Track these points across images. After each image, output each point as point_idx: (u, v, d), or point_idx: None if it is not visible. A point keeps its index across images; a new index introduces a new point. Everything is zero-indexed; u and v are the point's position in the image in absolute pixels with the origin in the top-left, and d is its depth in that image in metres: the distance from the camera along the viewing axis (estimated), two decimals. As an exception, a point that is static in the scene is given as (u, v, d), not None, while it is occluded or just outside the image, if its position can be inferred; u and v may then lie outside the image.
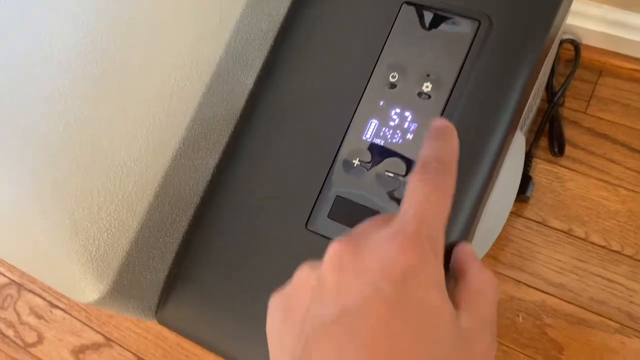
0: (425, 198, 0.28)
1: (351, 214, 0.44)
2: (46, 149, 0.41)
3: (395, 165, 0.44)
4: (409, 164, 0.43)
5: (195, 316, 0.47)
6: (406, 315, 0.24)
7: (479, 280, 0.29)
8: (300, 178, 0.46)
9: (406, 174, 0.43)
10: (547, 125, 0.75)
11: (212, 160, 0.47)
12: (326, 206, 0.44)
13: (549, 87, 0.75)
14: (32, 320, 0.93)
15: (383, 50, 0.46)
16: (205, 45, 0.44)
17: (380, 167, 0.44)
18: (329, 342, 0.25)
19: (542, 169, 0.75)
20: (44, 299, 0.94)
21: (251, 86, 0.49)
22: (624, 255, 0.71)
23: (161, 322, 0.48)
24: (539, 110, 0.76)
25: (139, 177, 0.42)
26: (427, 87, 0.44)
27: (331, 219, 0.44)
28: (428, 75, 0.44)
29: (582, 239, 0.72)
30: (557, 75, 0.76)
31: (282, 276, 0.44)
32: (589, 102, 0.76)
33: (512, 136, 0.47)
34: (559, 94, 0.74)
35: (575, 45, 0.76)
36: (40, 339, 0.92)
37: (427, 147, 0.31)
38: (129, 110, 0.42)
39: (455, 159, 0.31)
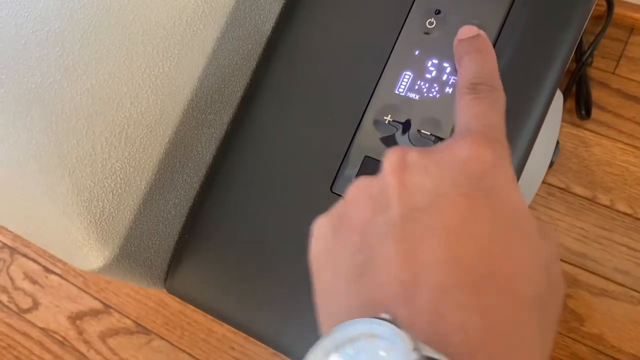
0: (483, 113, 0.26)
1: (382, 175, 0.40)
2: (42, 100, 0.36)
3: (432, 123, 0.39)
4: (448, 121, 0.39)
5: (208, 285, 0.44)
6: (490, 211, 0.21)
7: None
8: (324, 136, 0.41)
9: (444, 134, 0.39)
10: (574, 86, 0.71)
11: (226, 115, 0.43)
12: (353, 168, 0.40)
13: (577, 45, 0.71)
14: (26, 285, 0.89)
15: (418, -5, 0.41)
16: (220, -17, 0.39)
17: (414, 125, 0.39)
18: (399, 244, 0.21)
19: (566, 132, 0.71)
20: (39, 263, 0.90)
21: (269, 33, 0.44)
22: (651, 223, 0.67)
23: (171, 290, 0.44)
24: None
25: (148, 131, 0.38)
26: (468, 35, 0.40)
27: (359, 181, 0.40)
28: (470, 23, 0.40)
29: (606, 207, 0.68)
30: (586, 33, 0.72)
31: (304, 241, 0.40)
32: (618, 61, 0.72)
33: (556, 92, 0.43)
34: (588, 53, 0.69)
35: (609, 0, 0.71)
36: (35, 305, 0.89)
37: (467, 62, 0.30)
38: (134, 56, 0.37)
39: (497, 72, 0.29)
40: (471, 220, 0.21)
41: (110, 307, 0.85)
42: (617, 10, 0.71)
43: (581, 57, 0.70)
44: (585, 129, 0.71)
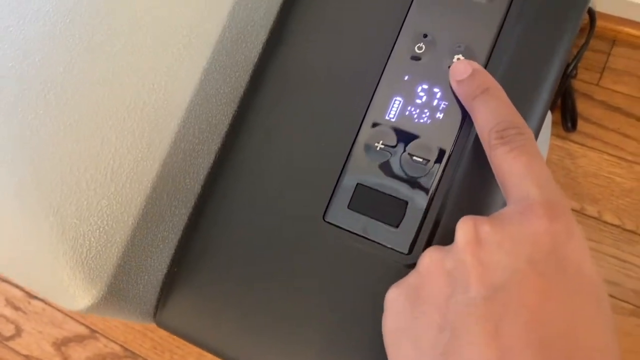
0: (527, 165, 0.26)
1: (375, 203, 0.39)
2: (23, 137, 0.35)
3: (424, 148, 0.39)
4: (440, 147, 0.38)
5: (199, 318, 0.42)
6: (567, 287, 0.22)
7: None
8: (315, 164, 0.41)
9: (437, 159, 0.38)
10: (560, 98, 0.71)
11: (214, 144, 0.42)
12: (346, 196, 0.40)
13: (560, 58, 0.71)
14: (8, 312, 0.87)
15: (407, 17, 0.41)
16: (205, 11, 0.38)
17: (406, 151, 0.39)
18: (482, 324, 0.22)
19: (552, 144, 0.72)
20: (21, 289, 0.88)
21: (256, 60, 0.43)
22: (639, 234, 0.68)
23: (160, 325, 0.43)
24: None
25: (134, 166, 0.37)
26: (458, 59, 0.39)
27: (352, 209, 0.39)
28: (459, 46, 0.39)
29: (594, 218, 0.69)
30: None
31: (297, 273, 0.40)
32: (601, 73, 0.72)
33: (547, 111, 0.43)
34: (572, 65, 0.70)
35: (591, 12, 0.71)
36: (18, 332, 0.86)
37: (481, 108, 0.30)
38: (119, 88, 0.36)
39: (512, 106, 0.31)
40: (551, 298, 0.22)
41: (97, 332, 0.83)
42: (600, 22, 0.72)
43: (566, 69, 0.70)
44: (571, 141, 0.71)
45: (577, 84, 0.73)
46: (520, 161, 0.27)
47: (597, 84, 0.72)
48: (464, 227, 0.26)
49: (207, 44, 0.38)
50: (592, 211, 0.70)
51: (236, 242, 0.41)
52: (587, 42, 0.71)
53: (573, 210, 0.70)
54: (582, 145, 0.71)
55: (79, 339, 0.83)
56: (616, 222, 0.69)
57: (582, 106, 0.72)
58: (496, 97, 0.30)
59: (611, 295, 0.68)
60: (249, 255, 0.41)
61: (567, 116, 0.70)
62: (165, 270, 0.42)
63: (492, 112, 0.29)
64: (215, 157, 0.42)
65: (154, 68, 0.37)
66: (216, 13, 0.38)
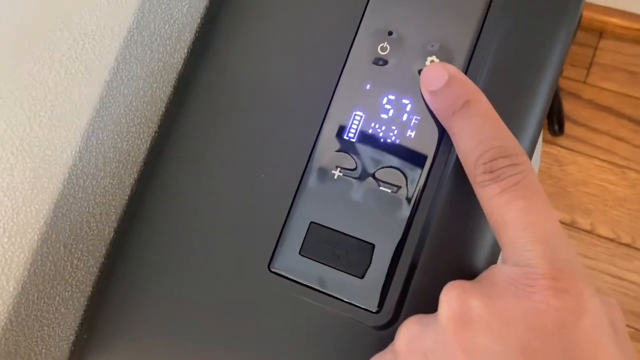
0: (524, 214, 0.21)
1: (333, 248, 0.31)
2: None
3: (393, 174, 0.31)
4: (413, 173, 0.30)
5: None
6: None
7: (609, 312, 0.22)
8: (257, 199, 0.32)
9: (409, 188, 0.30)
10: (544, 99, 0.64)
11: (128, 176, 0.33)
12: (296, 238, 0.31)
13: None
14: None
15: (366, 10, 0.32)
16: (104, 7, 0.29)
17: (371, 178, 0.31)
18: None
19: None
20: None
21: (180, 67, 0.34)
22: (636, 248, 0.61)
23: (70, 405, 0.34)
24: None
25: (13, 214, 0.28)
26: (431, 62, 0.31)
27: (304, 255, 0.31)
28: (432, 45, 0.31)
29: (587, 232, 0.62)
30: (552, 39, 0.65)
31: (238, 340, 0.31)
32: (589, 69, 0.65)
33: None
34: (557, 61, 0.63)
35: (576, 2, 0.64)
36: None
37: (461, 132, 0.25)
38: (-13, 113, 0.27)
39: (503, 126, 0.25)
40: None
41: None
42: (585, 13, 0.64)
43: (549, 66, 0.63)
44: (559, 146, 0.64)
45: (562, 82, 0.65)
46: (516, 208, 0.22)
47: (584, 82, 0.65)
48: (449, 299, 0.22)
49: (108, 50, 0.30)
50: (585, 224, 0.62)
51: (161, 302, 0.32)
52: (573, 35, 0.64)
53: (563, 223, 0.63)
54: (571, 150, 0.64)
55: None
56: (611, 235, 0.62)
57: (569, 107, 0.64)
58: (480, 113, 0.24)
59: (609, 318, 0.61)
60: (177, 317, 0.32)
61: (554, 119, 0.63)
62: (72, 338, 0.33)
63: (475, 134, 0.23)
64: (131, 192, 0.34)
65: (34, 86, 0.28)
66: (118, 8, 0.30)
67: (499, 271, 0.22)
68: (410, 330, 0.23)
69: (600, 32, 0.66)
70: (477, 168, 0.23)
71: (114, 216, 0.33)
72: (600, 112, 0.65)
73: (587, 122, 0.65)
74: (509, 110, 0.30)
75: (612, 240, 0.62)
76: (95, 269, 0.33)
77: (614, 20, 0.65)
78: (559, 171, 0.64)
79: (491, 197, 0.22)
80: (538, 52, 0.31)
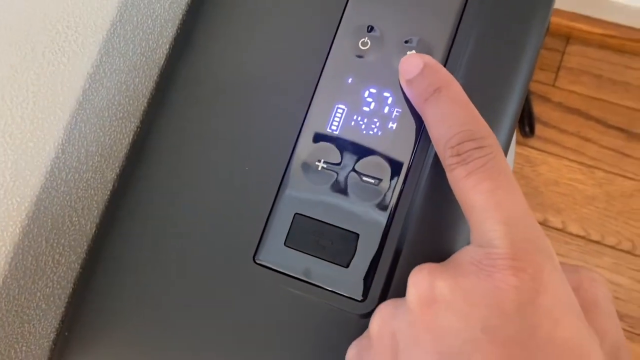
0: (490, 196, 0.21)
1: (318, 238, 0.31)
2: None
3: (376, 166, 0.31)
4: (395, 164, 0.31)
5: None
6: (531, 357, 0.18)
7: (590, 288, 0.23)
8: (241, 191, 0.32)
9: (391, 179, 0.31)
10: (515, 101, 0.65)
11: (110, 171, 0.33)
12: (281, 230, 0.31)
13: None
14: None
15: (347, 6, 0.33)
16: (87, 0, 0.29)
17: (354, 170, 0.31)
18: None
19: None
20: None
21: (162, 62, 0.34)
22: (605, 245, 0.63)
23: (50, 405, 0.34)
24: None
25: (-7, 206, 0.27)
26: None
27: (290, 246, 0.31)
28: (411, 40, 0.32)
29: (559, 230, 0.63)
30: (522, 44, 0.67)
31: (225, 333, 0.31)
32: (557, 73, 0.67)
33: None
34: (527, 65, 0.64)
35: (544, 7, 0.66)
36: None
37: (432, 116, 0.26)
38: (-32, 104, 0.27)
39: (474, 109, 0.26)
40: None
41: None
42: (553, 18, 0.67)
43: (520, 70, 0.65)
44: (530, 147, 0.65)
45: (533, 86, 0.67)
46: (481, 190, 0.22)
47: (553, 85, 0.67)
48: (416, 281, 0.22)
49: (91, 43, 0.29)
50: (556, 222, 0.64)
51: (144, 298, 0.32)
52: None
53: (536, 222, 0.65)
54: (542, 151, 0.65)
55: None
56: (581, 233, 0.64)
57: (539, 109, 0.66)
58: (450, 98, 0.25)
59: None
60: (162, 311, 0.32)
61: (525, 120, 0.65)
62: (52, 336, 0.33)
63: (445, 119, 0.24)
64: (113, 187, 0.33)
65: (15, 77, 0.28)
66: (101, 1, 0.30)
67: (465, 252, 0.23)
68: (381, 313, 0.24)
69: (568, 37, 0.68)
70: (446, 152, 0.24)
71: (96, 211, 0.33)
72: (569, 114, 0.67)
73: (557, 124, 0.67)
74: (488, 100, 0.31)
75: (582, 237, 0.64)
76: (76, 264, 0.33)
77: (580, 25, 0.67)
78: (531, 171, 0.66)
79: (459, 180, 0.23)
80: (516, 38, 0.32)
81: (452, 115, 0.25)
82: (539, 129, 0.66)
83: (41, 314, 0.31)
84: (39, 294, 0.30)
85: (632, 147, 0.64)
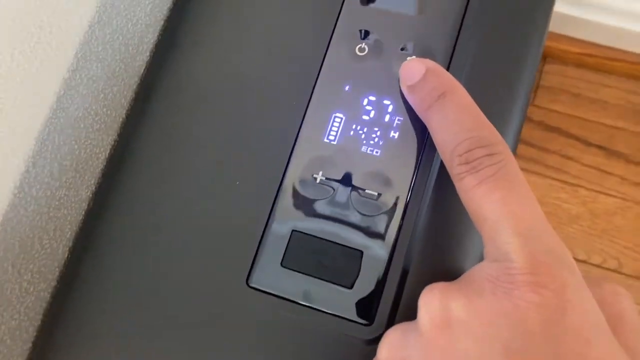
0: (503, 205, 0.20)
1: (318, 256, 0.28)
2: None
3: (379, 178, 0.29)
4: (398, 176, 0.29)
5: None
6: None
7: (615, 302, 0.21)
8: (232, 208, 0.30)
9: (395, 192, 0.29)
10: (497, 120, 0.65)
11: (85, 188, 0.30)
12: (277, 248, 0.29)
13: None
14: None
15: (342, 9, 0.31)
16: (62, 1, 0.27)
17: (355, 184, 0.29)
18: None
19: (493, 171, 0.65)
20: None
21: (143, 70, 0.32)
22: (591, 264, 0.62)
23: None
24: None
25: (-48, 227, 0.24)
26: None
27: (287, 267, 0.28)
28: (410, 44, 0.30)
29: (545, 250, 0.62)
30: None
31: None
32: (535, 92, 0.67)
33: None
34: (507, 83, 0.64)
35: (522, 26, 0.66)
36: None
37: (438, 124, 0.24)
38: None
39: (481, 115, 0.24)
40: None
41: None
42: (531, 37, 0.67)
43: (500, 88, 0.65)
44: (513, 166, 0.65)
45: (513, 104, 0.67)
46: (494, 199, 0.21)
47: (532, 104, 0.67)
48: (427, 302, 0.21)
49: (67, 47, 0.27)
50: (542, 242, 0.63)
51: (125, 333, 0.29)
52: (521, 58, 0.66)
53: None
54: (525, 170, 0.65)
55: None
56: (568, 252, 0.63)
57: (520, 128, 0.66)
58: (456, 103, 0.23)
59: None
60: (145, 343, 0.29)
61: (507, 139, 0.64)
62: (18, 375, 0.29)
63: (451, 125, 0.23)
64: (88, 206, 0.30)
65: (-19, 78, 0.25)
66: (78, 4, 0.27)
67: (479, 269, 0.21)
68: (389, 339, 0.23)
69: (545, 56, 0.68)
70: (454, 160, 0.22)
71: (69, 233, 0.29)
72: (550, 132, 0.66)
73: (539, 143, 0.66)
74: (493, 109, 0.29)
75: (569, 257, 0.63)
76: (46, 293, 0.29)
77: (557, 44, 0.67)
78: (515, 191, 0.65)
79: (468, 190, 0.21)
80: (519, 40, 0.31)
81: (458, 121, 0.23)
82: (521, 148, 0.66)
83: (5, 350, 0.27)
84: (3, 327, 0.27)
85: (612, 165, 0.64)
